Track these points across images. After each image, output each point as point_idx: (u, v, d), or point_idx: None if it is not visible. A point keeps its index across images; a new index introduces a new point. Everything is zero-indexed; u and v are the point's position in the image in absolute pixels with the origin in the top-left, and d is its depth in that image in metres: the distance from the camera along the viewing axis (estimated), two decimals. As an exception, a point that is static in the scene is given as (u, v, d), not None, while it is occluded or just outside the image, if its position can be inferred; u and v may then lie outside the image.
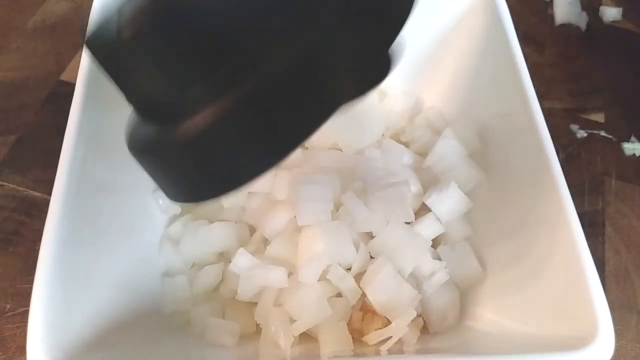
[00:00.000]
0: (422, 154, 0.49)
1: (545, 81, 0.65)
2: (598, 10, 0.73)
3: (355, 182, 0.45)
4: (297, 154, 0.46)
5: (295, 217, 0.42)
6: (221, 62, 0.23)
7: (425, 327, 0.42)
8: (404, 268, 0.42)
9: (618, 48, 0.70)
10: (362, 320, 0.41)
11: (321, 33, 0.24)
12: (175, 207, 0.46)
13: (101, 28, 0.24)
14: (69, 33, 0.64)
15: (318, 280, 0.39)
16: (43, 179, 0.52)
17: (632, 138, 0.61)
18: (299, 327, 0.39)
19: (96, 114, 0.39)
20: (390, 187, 0.44)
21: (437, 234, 0.45)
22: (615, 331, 0.31)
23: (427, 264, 0.42)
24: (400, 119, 0.53)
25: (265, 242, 0.44)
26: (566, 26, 0.71)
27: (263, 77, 0.23)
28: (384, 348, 0.38)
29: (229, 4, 0.22)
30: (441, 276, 0.42)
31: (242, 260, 0.41)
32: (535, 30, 0.70)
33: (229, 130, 0.24)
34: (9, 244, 0.49)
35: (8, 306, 0.46)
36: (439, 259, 0.44)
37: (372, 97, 0.53)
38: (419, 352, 0.40)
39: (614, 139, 0.61)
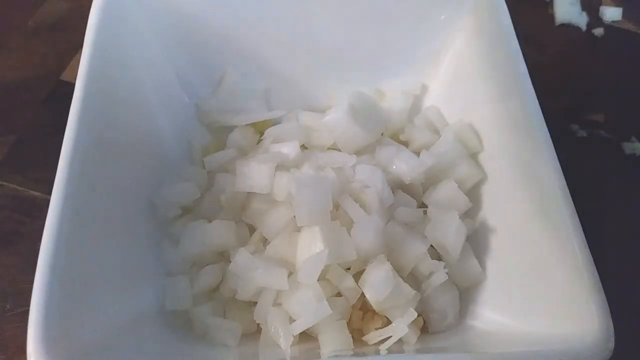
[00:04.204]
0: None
1: (545, 81, 0.65)
2: (598, 10, 0.73)
3: (354, 182, 0.45)
4: (297, 154, 0.46)
5: (294, 217, 0.42)
6: None
7: (425, 326, 0.42)
8: (402, 267, 0.42)
9: (618, 48, 0.70)
10: (362, 319, 0.41)
11: None
12: (175, 208, 0.46)
13: None
14: (69, 33, 0.64)
15: (318, 280, 0.39)
16: (43, 179, 0.52)
17: (632, 138, 0.61)
18: (299, 327, 0.39)
19: (96, 114, 0.39)
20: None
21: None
22: (615, 331, 0.31)
23: (426, 263, 0.42)
24: (399, 119, 0.53)
25: (265, 241, 0.44)
26: (566, 26, 0.71)
27: None
28: (383, 347, 0.38)
29: None
30: (440, 276, 0.42)
31: (242, 260, 0.41)
32: (535, 30, 0.70)
33: None
34: (9, 244, 0.49)
35: (8, 306, 0.46)
36: (439, 259, 0.44)
37: (371, 97, 0.54)
38: (419, 351, 0.40)
39: (614, 139, 0.61)
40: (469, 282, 0.43)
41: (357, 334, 0.41)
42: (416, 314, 0.39)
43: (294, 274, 0.40)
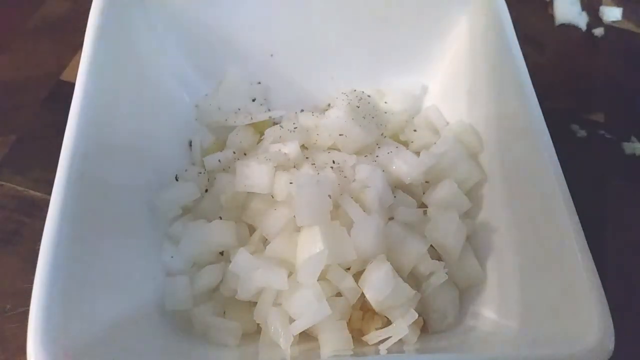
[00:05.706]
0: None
1: (545, 81, 0.65)
2: (598, 10, 0.73)
3: (354, 182, 0.45)
4: (297, 154, 0.46)
5: (294, 217, 0.42)
6: None
7: (425, 326, 0.42)
8: (402, 267, 0.42)
9: (618, 48, 0.70)
10: (362, 319, 0.41)
11: None
12: (175, 208, 0.46)
13: None
14: (69, 33, 0.64)
15: (318, 280, 0.39)
16: (43, 179, 0.52)
17: (632, 138, 0.61)
18: (298, 327, 0.39)
19: (96, 114, 0.39)
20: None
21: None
22: (615, 331, 0.31)
23: (426, 263, 0.42)
24: (399, 119, 0.53)
25: (265, 241, 0.44)
26: (566, 26, 0.71)
27: None
28: (383, 347, 0.38)
29: None
30: (440, 276, 0.42)
31: (242, 260, 0.41)
32: (535, 30, 0.70)
33: None
34: (9, 244, 0.49)
35: (8, 306, 0.46)
36: (439, 259, 0.44)
37: (371, 97, 0.54)
38: (419, 351, 0.40)
39: (614, 139, 0.61)
40: (469, 282, 0.43)
41: (357, 334, 0.41)
42: (417, 315, 0.39)
43: (294, 274, 0.40)
